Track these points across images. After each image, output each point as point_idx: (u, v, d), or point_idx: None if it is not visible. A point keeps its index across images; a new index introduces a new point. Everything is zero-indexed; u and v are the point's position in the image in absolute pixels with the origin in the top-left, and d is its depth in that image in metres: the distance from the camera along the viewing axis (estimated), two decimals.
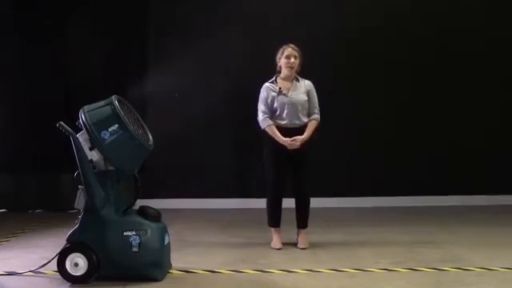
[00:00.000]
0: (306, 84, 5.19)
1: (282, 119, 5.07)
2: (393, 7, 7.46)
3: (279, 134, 5.02)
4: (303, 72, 5.23)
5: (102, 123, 4.00)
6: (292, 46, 5.14)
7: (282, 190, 5.14)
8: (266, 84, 5.17)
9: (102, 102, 4.11)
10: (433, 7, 7.46)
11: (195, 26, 7.30)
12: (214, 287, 4.05)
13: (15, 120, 7.23)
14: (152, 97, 7.24)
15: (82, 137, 4.03)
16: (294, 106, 5.05)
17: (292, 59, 5.09)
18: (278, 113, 5.07)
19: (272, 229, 5.21)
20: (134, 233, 4.01)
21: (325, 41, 7.22)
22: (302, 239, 5.16)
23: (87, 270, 4.00)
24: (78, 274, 4.01)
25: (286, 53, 5.11)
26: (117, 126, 3.99)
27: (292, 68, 5.10)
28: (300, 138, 5.00)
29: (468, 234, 5.71)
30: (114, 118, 4.00)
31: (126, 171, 4.16)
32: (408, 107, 7.50)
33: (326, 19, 7.35)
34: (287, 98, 5.06)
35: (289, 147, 4.99)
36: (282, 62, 5.13)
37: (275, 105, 5.07)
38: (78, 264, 4.01)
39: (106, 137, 3.97)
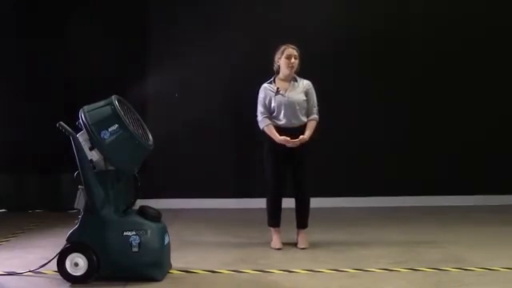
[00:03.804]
0: (304, 84, 5.18)
1: (280, 119, 5.07)
2: (393, 7, 7.46)
3: (277, 134, 5.02)
4: (303, 72, 5.23)
5: (102, 123, 4.00)
6: (292, 46, 5.13)
7: (281, 190, 5.14)
8: (264, 85, 5.18)
9: (101, 102, 4.11)
10: (433, 7, 7.46)
11: (195, 25, 7.30)
12: (213, 287, 4.05)
13: (15, 120, 7.23)
14: (152, 97, 7.24)
15: (82, 137, 4.03)
16: (291, 105, 5.05)
17: (292, 59, 5.09)
18: (275, 113, 5.08)
19: (272, 229, 5.21)
20: (133, 233, 4.01)
21: (325, 41, 7.23)
22: (302, 239, 5.16)
23: (87, 270, 4.00)
24: (78, 273, 4.01)
25: (286, 53, 5.10)
26: (117, 125, 3.99)
27: (292, 68, 5.10)
28: (302, 138, 4.99)
29: (468, 234, 5.71)
30: (114, 117, 4.00)
31: (126, 171, 4.16)
32: (408, 107, 7.50)
33: (326, 19, 7.35)
34: (284, 97, 5.06)
35: (287, 145, 4.98)
36: (281, 61, 5.13)
37: (273, 105, 5.07)
38: (78, 264, 4.01)
39: (105, 137, 3.97)
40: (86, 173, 4.01)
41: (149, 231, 4.04)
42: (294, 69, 5.12)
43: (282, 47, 5.14)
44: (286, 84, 5.15)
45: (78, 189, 4.10)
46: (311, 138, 5.06)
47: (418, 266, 4.44)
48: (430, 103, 7.49)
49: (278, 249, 5.09)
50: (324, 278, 4.20)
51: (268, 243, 5.20)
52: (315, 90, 5.20)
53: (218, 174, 7.44)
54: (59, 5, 7.19)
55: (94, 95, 4.29)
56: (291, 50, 5.10)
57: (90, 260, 3.99)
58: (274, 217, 5.18)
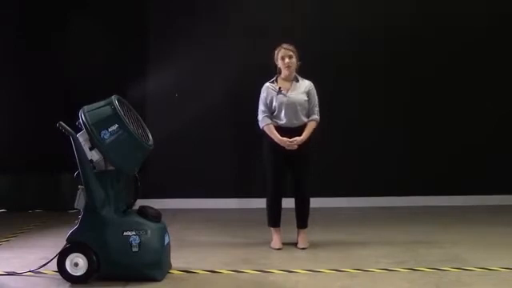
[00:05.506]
0: (306, 84, 5.18)
1: (281, 119, 5.06)
2: (393, 7, 7.45)
3: (277, 134, 5.01)
4: (304, 72, 5.23)
5: (102, 123, 4.00)
6: (285, 45, 5.12)
7: (281, 190, 5.14)
8: (267, 84, 5.17)
9: (101, 102, 4.11)
10: (433, 7, 7.46)
11: (195, 25, 7.30)
12: (213, 287, 4.05)
13: (15, 120, 7.23)
14: (152, 97, 7.24)
15: (82, 137, 4.04)
16: (292, 105, 5.04)
17: (287, 59, 5.08)
18: (276, 112, 5.07)
19: (272, 229, 5.21)
20: (133, 233, 4.01)
21: (325, 41, 7.23)
22: (302, 239, 5.16)
23: (87, 270, 4.00)
24: (78, 273, 4.01)
25: (280, 54, 5.10)
26: (117, 125, 3.99)
27: (289, 67, 5.09)
28: (298, 139, 5.00)
29: (468, 234, 5.71)
30: (114, 117, 4.00)
31: (126, 171, 4.16)
32: (408, 107, 7.50)
33: (325, 19, 7.36)
34: (286, 97, 5.06)
35: (286, 147, 4.99)
36: (279, 63, 5.13)
37: (274, 104, 5.06)
38: (78, 264, 4.01)
39: (106, 137, 3.98)
40: (86, 173, 4.01)
41: (149, 231, 4.05)
42: (292, 68, 5.11)
43: (277, 48, 5.14)
44: (287, 84, 5.14)
45: (78, 189, 4.10)
46: (310, 138, 5.05)
47: (418, 266, 4.44)
48: (431, 103, 7.48)
49: (278, 249, 5.09)
50: (324, 278, 4.20)
51: (268, 243, 5.20)
52: (316, 90, 5.20)
53: (218, 173, 7.43)
54: (59, 4, 7.19)
55: (94, 95, 4.29)
56: (284, 51, 5.09)
57: (90, 260, 3.99)
58: (273, 217, 5.18)
